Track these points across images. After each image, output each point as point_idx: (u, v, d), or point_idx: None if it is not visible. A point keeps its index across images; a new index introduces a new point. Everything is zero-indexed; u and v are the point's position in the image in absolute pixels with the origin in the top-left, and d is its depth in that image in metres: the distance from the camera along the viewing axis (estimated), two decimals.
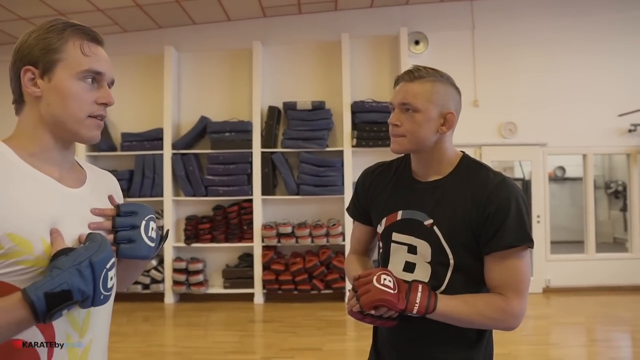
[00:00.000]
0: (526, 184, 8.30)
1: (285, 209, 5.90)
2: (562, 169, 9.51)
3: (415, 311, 1.15)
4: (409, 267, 1.30)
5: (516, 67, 6.05)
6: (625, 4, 6.10)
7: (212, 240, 5.82)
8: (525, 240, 1.20)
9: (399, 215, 1.33)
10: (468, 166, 1.32)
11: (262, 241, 5.71)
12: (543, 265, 5.99)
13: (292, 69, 6.15)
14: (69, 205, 0.98)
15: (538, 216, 6.04)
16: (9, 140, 1.00)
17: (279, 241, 5.68)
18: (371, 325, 1.36)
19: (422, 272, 1.28)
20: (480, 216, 1.21)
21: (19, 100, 1.00)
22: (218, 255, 6.00)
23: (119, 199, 1.14)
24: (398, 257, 1.33)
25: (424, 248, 1.28)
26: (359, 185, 1.49)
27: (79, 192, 1.02)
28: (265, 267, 5.69)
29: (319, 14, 6.11)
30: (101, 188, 1.10)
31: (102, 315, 1.03)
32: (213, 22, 6.14)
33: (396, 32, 5.94)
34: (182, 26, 6.16)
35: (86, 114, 0.98)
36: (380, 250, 1.42)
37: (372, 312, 1.17)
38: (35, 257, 0.88)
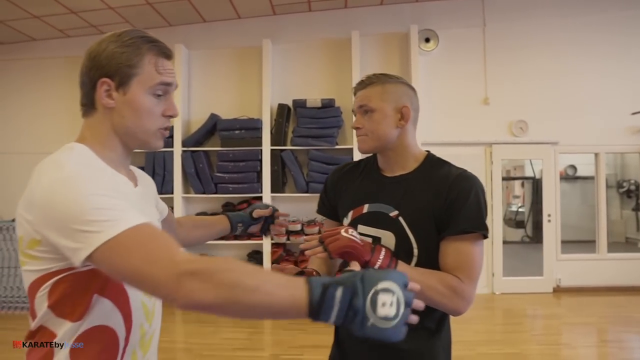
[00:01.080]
0: (537, 183, 8.24)
1: (294, 206, 5.90)
2: (574, 167, 9.42)
3: (377, 267, 1.16)
4: None
5: (527, 64, 5.99)
6: (638, 2, 6.03)
7: (221, 237, 5.83)
8: (480, 227, 1.25)
9: (365, 208, 1.40)
10: (432, 163, 1.40)
11: (271, 238, 5.73)
12: (554, 265, 5.95)
13: (301, 66, 6.15)
14: (138, 202, 1.08)
15: (549, 215, 5.99)
16: (84, 142, 1.04)
17: (288, 239, 5.69)
18: None
19: None
20: (442, 204, 1.28)
21: (89, 105, 1.05)
22: (227, 252, 6.02)
23: (156, 195, 1.30)
24: None
25: (388, 238, 1.33)
26: (327, 183, 1.58)
27: (139, 190, 1.14)
28: (275, 264, 5.70)
29: (329, 11, 6.10)
30: (146, 187, 1.24)
31: (159, 307, 1.15)
32: (223, 19, 6.15)
33: (406, 30, 5.92)
34: (193, 24, 6.19)
35: (156, 127, 1.06)
36: None
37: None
38: None
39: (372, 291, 0.77)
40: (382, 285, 0.78)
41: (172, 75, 1.07)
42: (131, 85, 1.01)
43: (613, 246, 6.35)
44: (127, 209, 0.88)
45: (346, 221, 1.44)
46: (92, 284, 0.94)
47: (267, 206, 1.70)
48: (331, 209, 1.55)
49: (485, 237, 1.26)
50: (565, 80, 5.97)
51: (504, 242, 6.09)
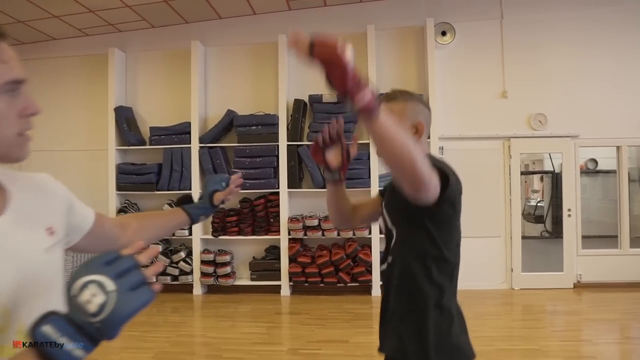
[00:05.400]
0: (556, 177, 8.12)
1: (311, 201, 5.92)
2: (594, 161, 9.25)
3: (366, 97, 1.03)
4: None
5: (546, 56, 5.90)
6: None
7: (239, 233, 5.89)
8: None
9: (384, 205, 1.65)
10: None
11: (289, 234, 5.74)
12: (574, 260, 5.86)
13: None
14: None
15: (569, 210, 5.90)
16: None
17: (305, 234, 5.71)
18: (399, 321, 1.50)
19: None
20: None
21: None
22: (245, 247, 6.06)
23: (60, 196, 1.00)
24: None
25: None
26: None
27: (1, 222, 0.85)
28: (292, 260, 5.73)
29: (344, 6, 6.08)
30: (28, 206, 0.91)
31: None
32: (239, 16, 6.17)
33: (422, 23, 5.87)
34: (209, 21, 6.22)
35: (14, 133, 0.83)
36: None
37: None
38: None
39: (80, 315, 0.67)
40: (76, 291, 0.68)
41: (18, 65, 0.83)
42: None
43: (636, 241, 6.21)
44: None
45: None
46: None
47: (223, 182, 1.53)
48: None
49: (440, 172, 1.31)
50: (586, 72, 5.85)
51: (523, 237, 6.02)
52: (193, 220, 1.40)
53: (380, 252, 1.38)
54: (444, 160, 1.47)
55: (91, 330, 0.67)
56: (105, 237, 1.13)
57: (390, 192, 1.55)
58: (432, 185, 1.24)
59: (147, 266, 0.74)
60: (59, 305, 0.85)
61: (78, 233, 1.06)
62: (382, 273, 1.60)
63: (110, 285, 0.68)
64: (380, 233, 5.24)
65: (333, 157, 1.57)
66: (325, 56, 1.00)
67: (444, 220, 1.43)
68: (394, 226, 1.52)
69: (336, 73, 1.01)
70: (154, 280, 0.71)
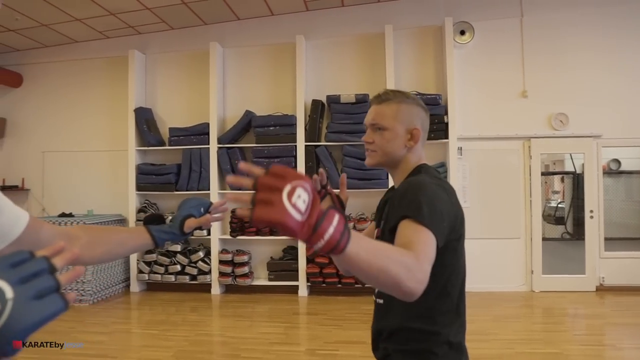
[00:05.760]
0: (578, 178, 7.97)
1: None
2: (617, 161, 9.07)
3: (318, 246, 0.80)
4: None
5: (567, 55, 5.80)
6: None
7: (257, 233, 5.91)
8: (413, 214, 1.12)
9: (381, 224, 1.44)
10: (411, 174, 1.39)
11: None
12: (596, 263, 5.75)
13: (335, 62, 6.13)
14: None
15: (591, 211, 5.79)
16: None
17: None
18: None
19: None
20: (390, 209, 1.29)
21: None
22: (263, 247, 6.09)
23: None
24: None
25: None
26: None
27: None
28: (310, 260, 5.73)
29: (362, 6, 6.06)
30: None
31: None
32: (256, 17, 6.20)
33: (441, 23, 5.82)
34: (227, 22, 6.26)
35: None
36: None
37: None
38: None
39: None
40: None
41: None
42: None
43: None
44: None
45: None
46: None
47: (201, 207, 1.33)
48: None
49: (423, 224, 1.10)
50: (608, 70, 5.74)
51: (543, 239, 5.92)
52: (157, 244, 1.26)
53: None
54: (437, 183, 1.29)
55: None
56: (40, 248, 0.88)
57: (385, 228, 1.32)
58: (426, 280, 0.98)
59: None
60: None
61: (1, 240, 0.91)
62: (376, 310, 1.42)
63: (8, 291, 0.57)
64: None
65: None
66: (262, 222, 0.76)
67: (450, 254, 1.24)
68: None
69: (285, 233, 0.79)
70: (69, 287, 0.53)
